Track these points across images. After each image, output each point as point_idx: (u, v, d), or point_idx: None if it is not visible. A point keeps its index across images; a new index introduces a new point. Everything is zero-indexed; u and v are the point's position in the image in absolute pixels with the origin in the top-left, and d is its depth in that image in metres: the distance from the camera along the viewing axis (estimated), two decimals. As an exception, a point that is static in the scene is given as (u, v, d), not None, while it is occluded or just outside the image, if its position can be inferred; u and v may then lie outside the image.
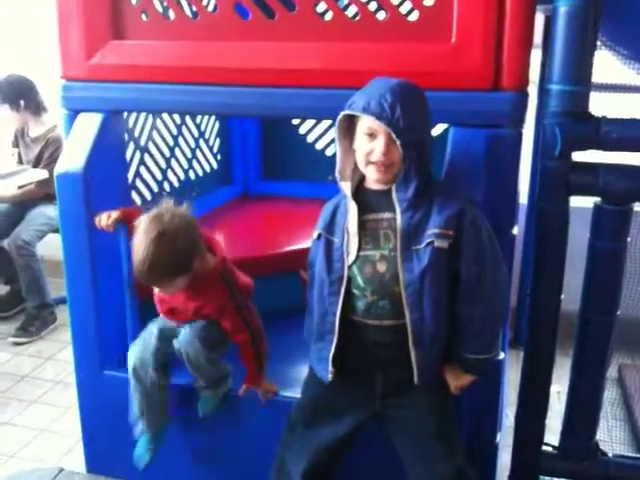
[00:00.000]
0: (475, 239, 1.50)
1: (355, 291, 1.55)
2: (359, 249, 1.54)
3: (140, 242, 1.62)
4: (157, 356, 1.87)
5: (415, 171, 1.50)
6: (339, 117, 1.53)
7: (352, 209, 1.56)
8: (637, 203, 1.69)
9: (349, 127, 1.55)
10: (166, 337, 1.87)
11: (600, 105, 1.67)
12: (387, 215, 1.54)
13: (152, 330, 1.89)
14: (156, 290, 1.81)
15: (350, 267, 1.55)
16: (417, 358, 1.52)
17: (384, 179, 1.53)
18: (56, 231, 3.10)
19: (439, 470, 1.58)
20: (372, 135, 1.49)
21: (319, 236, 1.62)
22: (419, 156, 1.50)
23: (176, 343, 1.83)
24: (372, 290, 1.53)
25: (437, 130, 2.76)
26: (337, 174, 1.59)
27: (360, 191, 1.59)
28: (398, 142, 1.46)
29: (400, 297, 1.51)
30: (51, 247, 3.09)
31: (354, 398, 1.64)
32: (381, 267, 1.53)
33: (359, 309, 1.56)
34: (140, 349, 1.88)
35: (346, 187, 1.58)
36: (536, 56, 2.15)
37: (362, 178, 1.60)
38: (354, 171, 1.59)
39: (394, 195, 1.53)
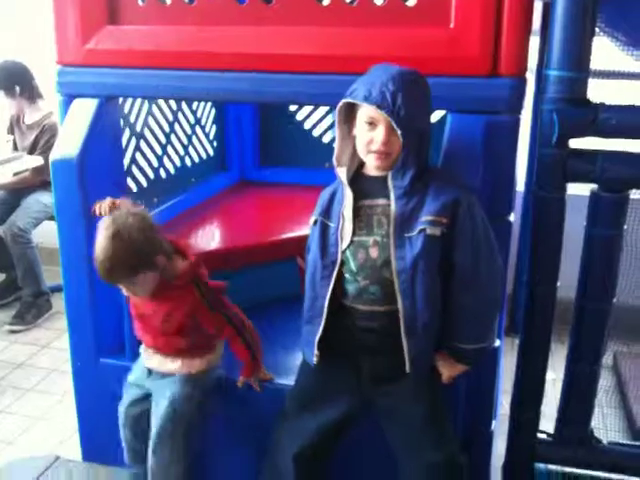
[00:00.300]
0: (470, 228, 1.50)
1: (347, 275, 1.56)
2: (353, 234, 1.55)
3: (98, 244, 1.66)
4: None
5: (413, 159, 1.50)
6: (339, 104, 1.53)
7: (348, 195, 1.56)
8: (634, 190, 1.69)
9: (349, 114, 1.55)
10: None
11: (599, 92, 1.67)
12: (381, 201, 1.54)
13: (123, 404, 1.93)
14: (124, 292, 1.75)
15: (344, 252, 1.56)
16: (409, 346, 1.52)
17: (384, 167, 1.53)
18: (52, 218, 3.09)
19: (429, 458, 1.58)
20: (372, 124, 1.49)
21: (315, 222, 1.62)
22: (419, 145, 1.50)
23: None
24: (364, 275, 1.54)
25: (435, 116, 2.75)
26: (334, 160, 1.59)
27: (357, 177, 1.59)
28: (399, 132, 1.45)
29: (391, 284, 1.51)
30: (47, 234, 3.09)
31: (342, 383, 1.65)
32: (374, 252, 1.53)
33: (350, 294, 1.56)
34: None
35: (342, 173, 1.58)
36: (534, 43, 2.14)
37: (360, 164, 1.60)
38: (352, 157, 1.59)
39: (390, 182, 1.53)
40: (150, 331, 1.82)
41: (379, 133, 1.48)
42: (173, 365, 1.83)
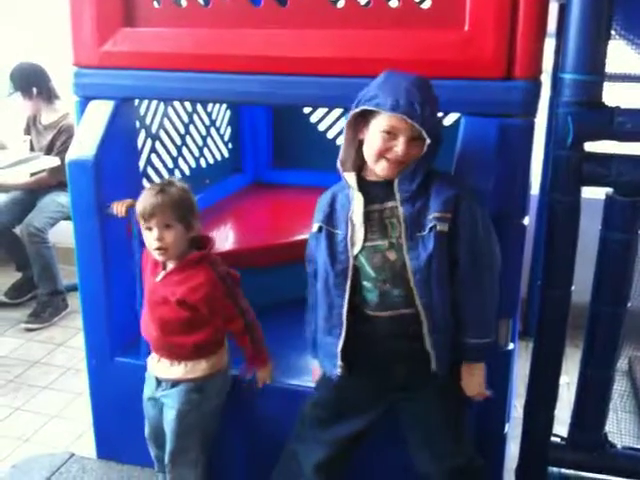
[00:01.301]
0: (471, 221, 1.51)
1: (365, 283, 1.55)
2: (365, 239, 1.54)
3: (150, 188, 1.78)
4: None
5: (424, 166, 1.52)
6: (356, 111, 1.52)
7: (357, 200, 1.56)
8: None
9: (357, 119, 1.55)
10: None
11: (615, 95, 1.66)
12: (390, 204, 1.54)
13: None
14: (154, 237, 1.73)
15: (356, 258, 1.55)
16: (433, 343, 1.53)
17: (393, 175, 1.53)
18: (68, 218, 3.11)
19: (451, 462, 1.59)
20: (392, 134, 1.48)
21: (320, 229, 1.60)
22: (433, 152, 1.51)
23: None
24: (384, 279, 1.53)
25: (450, 119, 2.76)
26: (339, 165, 1.58)
27: (360, 182, 1.58)
28: (428, 140, 1.46)
29: (410, 284, 1.51)
30: (63, 234, 3.11)
31: (365, 394, 1.64)
32: (391, 255, 1.53)
33: (372, 301, 1.55)
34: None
35: (351, 178, 1.57)
36: (550, 45, 2.13)
37: (360, 168, 1.59)
38: (354, 162, 1.59)
39: (396, 186, 1.53)
40: (157, 326, 1.82)
41: (400, 143, 1.48)
42: (178, 370, 1.83)
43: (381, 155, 1.50)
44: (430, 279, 1.49)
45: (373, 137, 1.51)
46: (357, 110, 1.52)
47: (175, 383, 1.84)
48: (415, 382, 1.60)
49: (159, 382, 1.88)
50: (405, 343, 1.55)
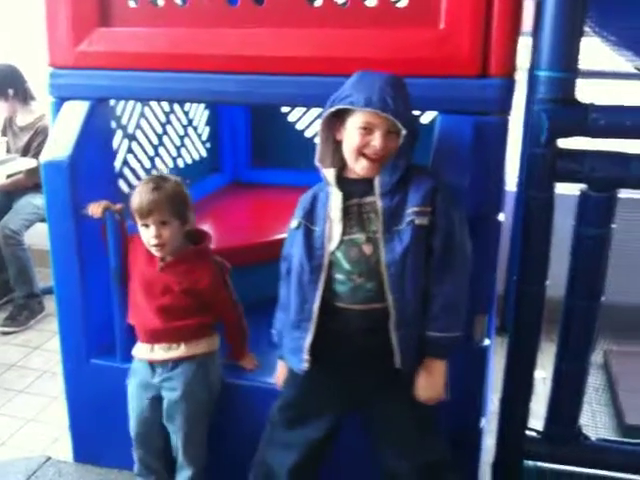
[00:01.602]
0: (446, 214, 1.53)
1: (339, 276, 1.55)
2: (343, 233, 1.55)
3: (145, 184, 1.82)
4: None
5: (403, 161, 1.53)
6: (331, 110, 1.54)
7: (335, 196, 1.57)
8: (622, 190, 1.70)
9: (331, 119, 1.57)
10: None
11: (590, 92, 1.68)
12: (369, 199, 1.55)
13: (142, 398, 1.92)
14: (151, 234, 1.80)
15: (333, 253, 1.55)
16: (398, 339, 1.53)
17: (374, 171, 1.54)
18: (44, 220, 3.06)
19: (419, 458, 1.59)
20: (367, 129, 1.50)
21: (299, 225, 1.61)
22: (410, 147, 1.53)
23: (170, 407, 1.87)
24: (359, 272, 1.54)
25: (427, 117, 2.77)
26: (317, 162, 1.60)
27: (340, 180, 1.59)
28: (403, 132, 1.49)
29: (383, 278, 1.52)
30: (39, 236, 3.07)
31: (338, 391, 1.63)
32: (367, 249, 1.54)
33: (344, 294, 1.55)
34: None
35: (330, 174, 1.58)
36: (527, 43, 2.16)
37: (341, 167, 1.60)
38: (332, 161, 1.60)
39: (376, 182, 1.54)
40: (158, 315, 1.85)
41: (377, 137, 1.50)
42: (179, 350, 1.86)
43: (360, 152, 1.52)
44: (404, 273, 1.50)
45: (350, 135, 1.53)
46: (332, 110, 1.53)
47: (176, 364, 1.86)
48: (384, 379, 1.59)
49: (154, 369, 1.88)
50: (374, 338, 1.55)
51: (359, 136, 1.51)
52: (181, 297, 1.85)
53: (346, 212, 1.56)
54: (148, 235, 1.81)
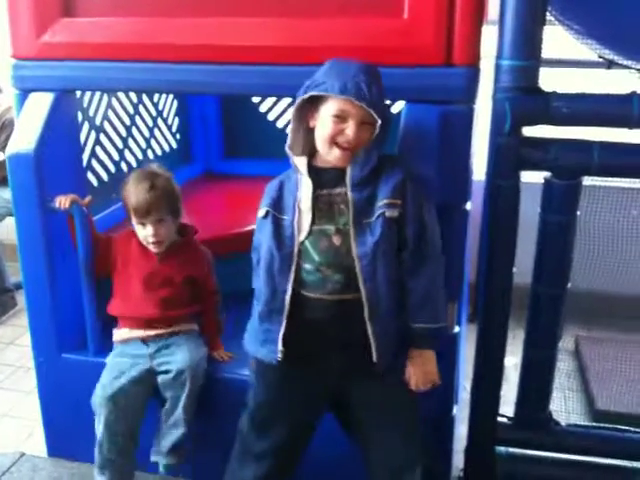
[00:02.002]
0: (416, 205, 1.52)
1: (307, 266, 1.54)
2: (312, 224, 1.54)
3: (139, 183, 1.87)
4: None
5: (376, 152, 1.53)
6: (303, 97, 1.52)
7: (306, 185, 1.55)
8: (586, 177, 1.71)
9: (304, 107, 1.55)
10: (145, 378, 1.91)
11: (553, 80, 1.69)
12: (339, 190, 1.54)
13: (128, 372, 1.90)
14: (149, 233, 1.87)
15: (302, 242, 1.54)
16: (373, 331, 1.52)
17: (346, 163, 1.53)
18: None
19: (398, 459, 1.60)
20: (340, 117, 1.49)
21: (266, 214, 1.59)
22: (383, 136, 1.52)
23: (174, 365, 1.88)
24: (327, 264, 1.52)
25: (397, 108, 2.78)
26: (287, 149, 1.59)
27: (310, 169, 1.57)
28: (378, 122, 1.48)
29: (355, 270, 1.51)
30: (9, 230, 3.03)
31: (310, 385, 1.62)
32: (337, 240, 1.53)
33: (312, 284, 1.54)
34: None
35: (301, 163, 1.57)
36: (493, 32, 2.15)
37: (311, 155, 1.59)
38: (303, 148, 1.59)
39: (348, 172, 1.53)
40: (157, 304, 1.92)
41: (350, 126, 1.49)
42: (173, 327, 1.95)
43: (333, 140, 1.51)
44: (376, 265, 1.50)
45: (324, 122, 1.52)
46: (305, 96, 1.52)
47: (171, 335, 1.94)
48: (355, 372, 1.58)
49: (147, 344, 1.93)
50: (347, 329, 1.55)
51: (332, 124, 1.50)
52: (181, 287, 1.94)
53: (316, 202, 1.55)
54: (146, 233, 1.88)
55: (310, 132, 1.57)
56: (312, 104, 1.54)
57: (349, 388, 1.61)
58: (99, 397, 1.86)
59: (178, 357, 1.89)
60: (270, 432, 1.64)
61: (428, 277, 1.54)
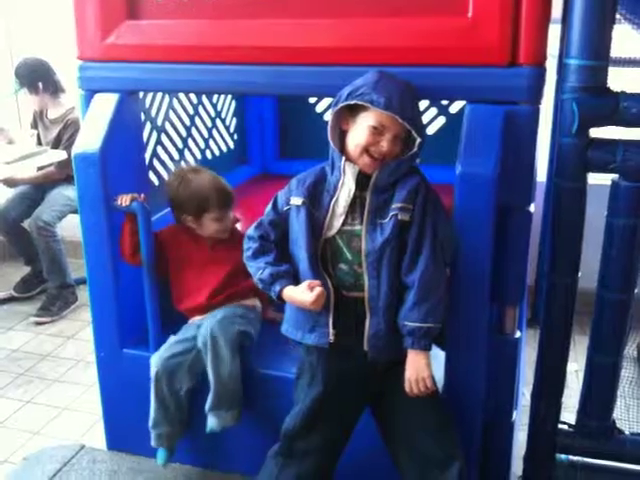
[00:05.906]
0: (422, 210, 1.57)
1: (342, 266, 1.60)
2: (344, 223, 1.59)
3: (211, 177, 2.08)
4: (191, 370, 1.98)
5: (408, 164, 1.58)
6: (347, 102, 1.56)
7: (351, 188, 1.59)
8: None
9: (341, 108, 1.59)
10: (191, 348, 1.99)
11: (622, 80, 1.65)
12: (363, 193, 1.60)
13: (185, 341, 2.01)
14: (228, 224, 2.07)
15: (334, 240, 1.60)
16: (370, 323, 1.58)
17: (372, 170, 1.58)
18: (76, 212, 3.11)
19: (427, 463, 1.60)
20: (378, 129, 1.54)
21: (302, 204, 1.61)
22: (419, 152, 1.58)
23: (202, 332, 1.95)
24: (359, 262, 1.58)
25: (456, 107, 2.76)
26: (338, 152, 1.62)
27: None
28: (418, 140, 1.54)
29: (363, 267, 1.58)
30: (71, 228, 3.12)
31: (359, 381, 1.66)
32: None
33: (348, 283, 1.61)
34: (169, 359, 1.97)
35: (353, 168, 1.59)
36: (557, 31, 2.11)
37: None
38: (338, 148, 1.63)
39: (374, 178, 1.58)
40: (208, 290, 2.03)
41: (386, 139, 1.54)
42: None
43: (365, 149, 1.56)
44: (381, 263, 1.56)
45: (360, 130, 1.57)
46: (350, 102, 1.55)
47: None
48: (391, 371, 1.64)
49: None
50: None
51: (369, 134, 1.55)
52: (229, 273, 2.04)
53: (350, 203, 1.60)
54: (218, 226, 2.04)
55: (342, 133, 1.62)
56: (349, 109, 1.58)
57: (385, 379, 1.66)
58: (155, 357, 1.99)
59: (218, 315, 1.98)
60: (321, 427, 1.66)
61: (421, 277, 1.56)
